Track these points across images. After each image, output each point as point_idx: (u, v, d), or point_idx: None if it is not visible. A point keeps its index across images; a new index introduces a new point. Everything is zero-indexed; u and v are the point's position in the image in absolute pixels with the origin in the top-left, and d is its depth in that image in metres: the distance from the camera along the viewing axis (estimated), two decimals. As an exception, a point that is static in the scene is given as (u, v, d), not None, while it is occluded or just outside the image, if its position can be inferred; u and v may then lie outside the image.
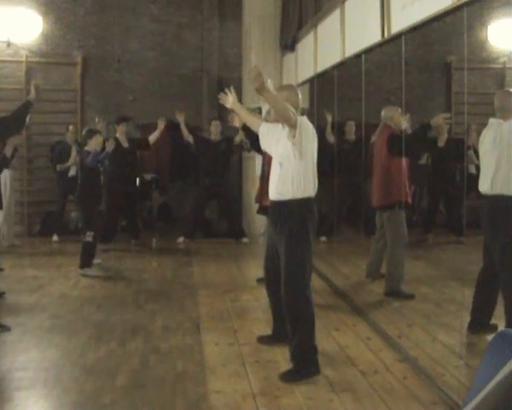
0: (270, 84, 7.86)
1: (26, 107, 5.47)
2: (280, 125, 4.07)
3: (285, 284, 4.02)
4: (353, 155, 7.86)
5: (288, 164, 3.95)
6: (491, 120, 4.39)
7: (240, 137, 8.48)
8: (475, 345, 4.47)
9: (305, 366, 3.95)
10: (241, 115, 4.70)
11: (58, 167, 9.31)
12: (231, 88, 4.55)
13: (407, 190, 5.96)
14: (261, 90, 3.70)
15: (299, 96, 4.14)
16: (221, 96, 4.56)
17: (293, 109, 3.86)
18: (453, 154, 8.08)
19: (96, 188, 7.08)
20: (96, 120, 7.51)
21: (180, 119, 8.79)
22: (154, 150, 9.75)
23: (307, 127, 3.99)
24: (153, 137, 8.72)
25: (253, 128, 4.48)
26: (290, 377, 3.92)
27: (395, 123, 5.90)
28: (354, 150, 7.92)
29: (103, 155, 7.13)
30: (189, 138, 8.96)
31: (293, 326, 4.02)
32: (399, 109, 5.92)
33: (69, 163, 9.21)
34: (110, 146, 7.30)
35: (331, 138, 8.60)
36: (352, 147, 8.30)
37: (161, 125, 8.63)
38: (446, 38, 10.00)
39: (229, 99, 4.48)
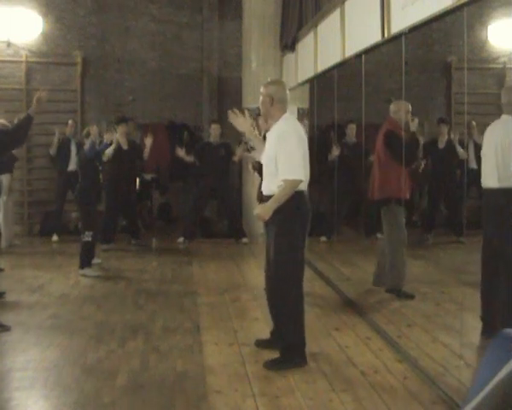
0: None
1: (26, 121, 5.38)
2: (272, 136, 4.13)
3: (275, 277, 4.12)
4: (353, 159, 7.86)
5: (272, 162, 4.04)
6: (503, 117, 4.42)
7: (238, 157, 8.82)
8: (475, 345, 4.47)
9: (290, 356, 4.05)
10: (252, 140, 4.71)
11: (51, 151, 9.48)
12: (246, 112, 4.55)
13: (405, 186, 5.91)
14: (271, 211, 3.98)
15: (287, 91, 4.22)
16: (230, 115, 4.47)
17: (291, 186, 3.93)
18: (453, 155, 8.08)
19: (95, 186, 7.08)
20: (105, 127, 7.72)
21: (180, 154, 8.88)
22: (155, 150, 9.75)
23: (296, 132, 4.07)
24: (146, 154, 8.76)
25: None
26: (274, 365, 4.03)
27: (399, 117, 5.86)
28: (354, 154, 7.93)
29: (102, 146, 7.15)
30: (190, 159, 9.00)
31: (280, 320, 4.14)
32: (408, 104, 5.89)
33: (55, 139, 9.38)
34: (108, 138, 7.33)
35: (333, 159, 8.66)
36: (353, 150, 8.29)
37: (149, 142, 8.62)
38: (446, 38, 10.02)
39: (243, 122, 4.43)
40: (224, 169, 8.99)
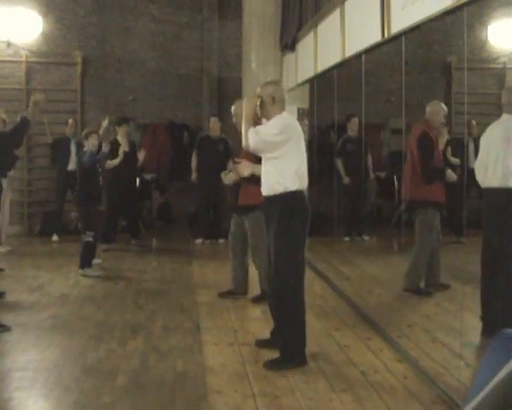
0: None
1: (22, 125, 5.39)
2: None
3: (275, 277, 4.14)
4: (356, 153, 7.91)
5: (270, 162, 4.09)
6: (503, 116, 4.42)
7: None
8: (475, 345, 4.47)
9: (290, 356, 4.06)
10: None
11: (48, 139, 9.56)
12: (236, 159, 4.82)
13: (441, 188, 5.79)
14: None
15: (285, 90, 4.31)
16: (234, 168, 4.82)
17: (252, 140, 4.02)
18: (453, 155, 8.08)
19: (95, 187, 7.07)
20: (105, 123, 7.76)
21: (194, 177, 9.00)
22: (155, 150, 9.76)
23: (293, 129, 4.13)
24: (139, 164, 8.84)
25: None
26: (274, 365, 4.04)
27: (433, 118, 5.77)
28: (357, 148, 7.98)
29: (100, 155, 7.16)
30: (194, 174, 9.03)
31: (280, 319, 4.16)
32: (443, 106, 5.83)
33: (46, 127, 9.52)
34: (106, 147, 7.34)
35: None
36: (355, 144, 8.34)
37: (141, 157, 8.67)
38: (446, 38, 10.01)
39: (245, 167, 4.60)
40: (223, 165, 8.90)
